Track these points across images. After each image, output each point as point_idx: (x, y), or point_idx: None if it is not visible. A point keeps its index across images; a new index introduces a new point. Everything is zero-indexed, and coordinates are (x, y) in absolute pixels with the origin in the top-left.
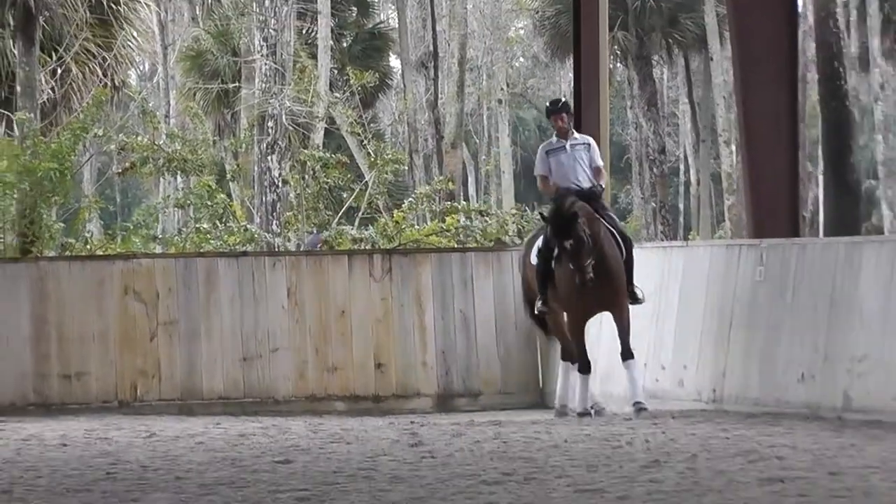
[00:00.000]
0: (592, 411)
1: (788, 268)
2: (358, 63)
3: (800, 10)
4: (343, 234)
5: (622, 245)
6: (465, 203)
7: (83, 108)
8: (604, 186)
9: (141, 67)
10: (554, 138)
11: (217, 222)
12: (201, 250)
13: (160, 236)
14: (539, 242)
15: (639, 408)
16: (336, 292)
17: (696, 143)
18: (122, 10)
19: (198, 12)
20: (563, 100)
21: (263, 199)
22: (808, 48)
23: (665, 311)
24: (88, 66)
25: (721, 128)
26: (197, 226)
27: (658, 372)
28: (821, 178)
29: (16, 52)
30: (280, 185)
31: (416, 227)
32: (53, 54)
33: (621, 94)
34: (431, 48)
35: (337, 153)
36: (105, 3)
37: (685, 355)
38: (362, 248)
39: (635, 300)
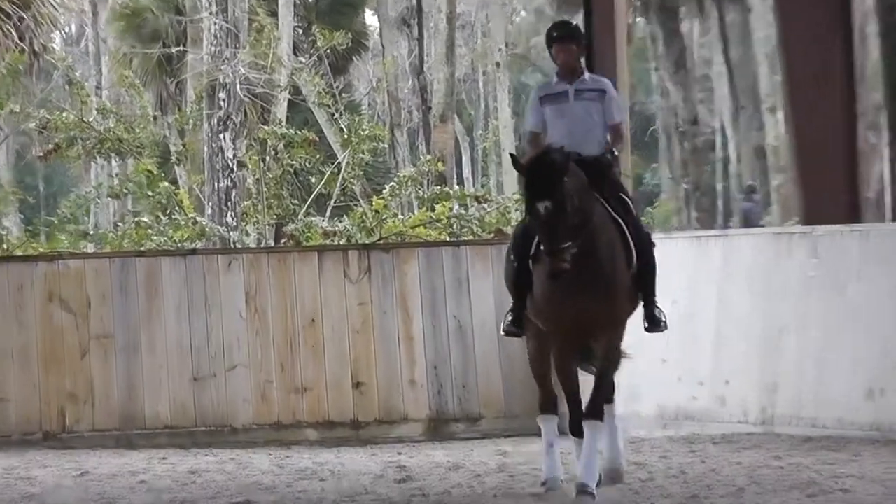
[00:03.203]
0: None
1: (849, 259)
2: (327, 21)
3: None
4: (312, 227)
5: (633, 244)
6: (458, 187)
7: None
8: (617, 153)
9: (66, 29)
10: (554, 79)
11: (160, 214)
12: (141, 249)
13: (92, 232)
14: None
15: (582, 490)
16: (304, 297)
17: (735, 111)
18: None
19: None
20: (574, 24)
21: (216, 185)
22: None
23: (700, 315)
24: (1, 29)
25: (764, 92)
26: (136, 219)
27: (694, 388)
28: (886, 150)
29: None
30: (235, 168)
31: (401, 217)
32: None
33: (643, 53)
34: (415, 2)
35: (303, 129)
36: None
37: (726, 368)
38: (335, 243)
39: (655, 325)
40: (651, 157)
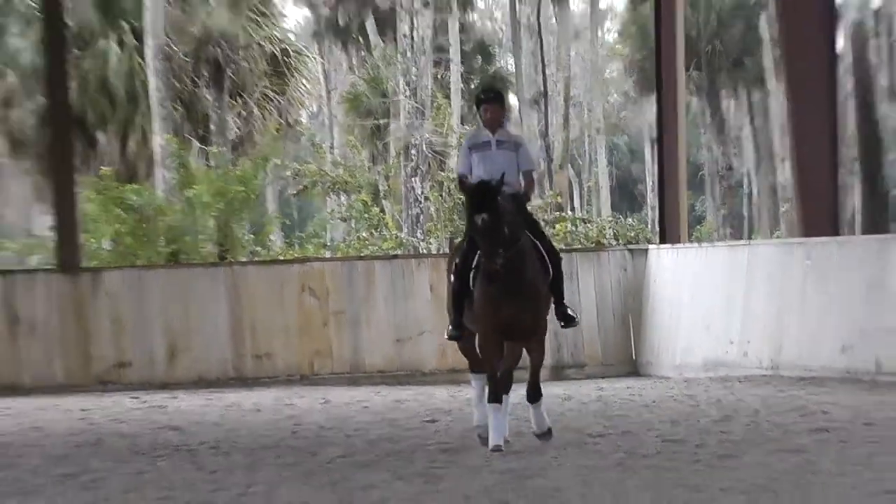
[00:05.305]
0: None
1: (831, 260)
2: None
3: (839, 51)
4: None
5: (549, 261)
6: (571, 213)
7: (264, 142)
8: (529, 196)
9: (309, 108)
10: (481, 132)
11: (373, 232)
12: (361, 254)
13: (329, 244)
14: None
15: (542, 435)
16: None
17: (757, 161)
18: (293, 63)
19: (354, 62)
20: (499, 89)
21: (409, 212)
22: (846, 82)
23: (733, 297)
24: (267, 109)
25: (777, 148)
26: (357, 235)
27: (727, 346)
28: (858, 188)
29: (209, 98)
30: (423, 201)
31: None
32: (239, 99)
33: (696, 122)
34: (542, 88)
35: None
36: (280, 57)
37: (749, 332)
38: None
39: (569, 321)
40: (699, 192)
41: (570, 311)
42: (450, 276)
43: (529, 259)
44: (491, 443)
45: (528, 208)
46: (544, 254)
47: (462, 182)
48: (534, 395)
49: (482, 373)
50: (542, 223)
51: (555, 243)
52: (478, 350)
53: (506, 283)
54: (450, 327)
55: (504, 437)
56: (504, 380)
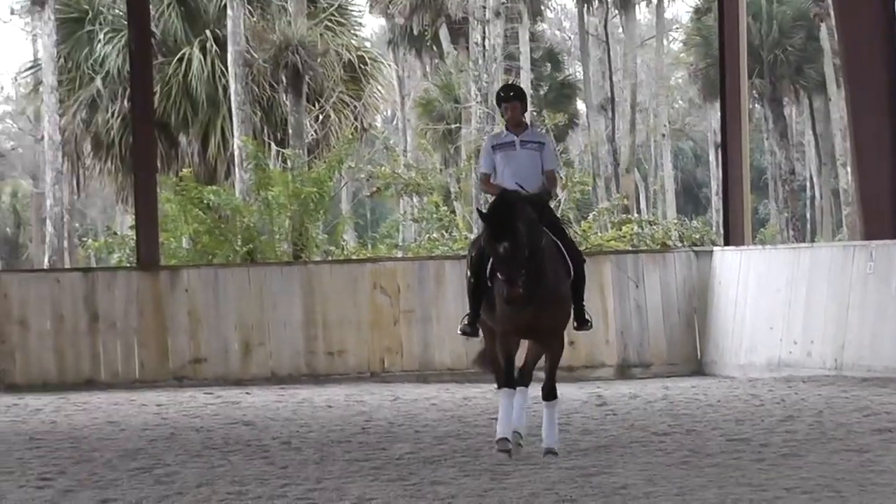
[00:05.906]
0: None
1: (893, 263)
2: (552, 107)
3: None
4: None
5: (570, 261)
6: (637, 215)
7: (339, 145)
8: (553, 194)
9: (384, 113)
10: (504, 131)
11: (444, 232)
12: (432, 254)
13: (401, 244)
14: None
15: (549, 451)
16: None
17: (819, 165)
18: (368, 69)
19: (427, 69)
20: (519, 86)
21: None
22: None
23: (796, 298)
24: (343, 113)
25: (838, 153)
26: (428, 235)
27: (791, 346)
28: None
29: (288, 103)
30: None
31: (600, 234)
32: (316, 104)
33: (759, 128)
34: (609, 95)
35: None
36: (356, 63)
37: (812, 332)
38: None
39: (583, 324)
40: (763, 196)
41: (586, 315)
42: (467, 269)
43: (549, 261)
44: (498, 434)
45: (551, 206)
46: (565, 254)
47: (487, 183)
48: (548, 394)
49: (509, 387)
50: (567, 222)
51: (617, 242)
52: (496, 343)
53: (525, 289)
54: (465, 322)
55: (514, 430)
56: (523, 373)
